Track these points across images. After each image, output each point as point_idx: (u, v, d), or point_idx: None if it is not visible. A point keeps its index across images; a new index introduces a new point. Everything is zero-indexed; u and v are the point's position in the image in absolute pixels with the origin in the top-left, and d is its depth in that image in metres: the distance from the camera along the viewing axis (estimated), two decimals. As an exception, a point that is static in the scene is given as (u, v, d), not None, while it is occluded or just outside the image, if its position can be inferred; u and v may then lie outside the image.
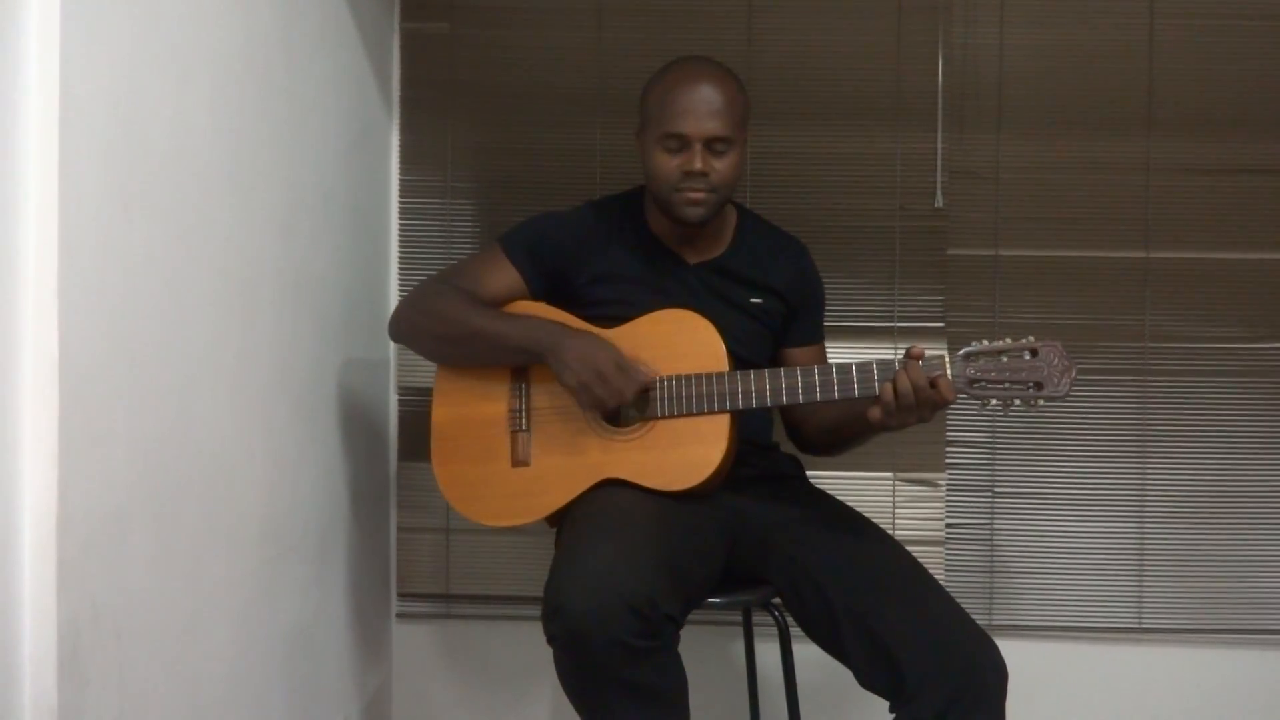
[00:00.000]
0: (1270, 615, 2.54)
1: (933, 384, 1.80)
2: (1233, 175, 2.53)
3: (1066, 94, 2.54)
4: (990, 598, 2.56)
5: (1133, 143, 2.54)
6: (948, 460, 2.55)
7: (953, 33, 2.54)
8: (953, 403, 1.82)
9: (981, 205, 2.55)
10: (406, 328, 2.09)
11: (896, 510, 2.54)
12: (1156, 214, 2.54)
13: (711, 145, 1.95)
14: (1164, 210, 2.54)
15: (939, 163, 2.54)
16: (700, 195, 1.96)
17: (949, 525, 2.56)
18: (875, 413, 1.84)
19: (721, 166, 1.97)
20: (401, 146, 2.61)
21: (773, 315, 2.11)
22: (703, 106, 1.95)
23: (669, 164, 1.97)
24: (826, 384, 1.87)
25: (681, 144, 1.96)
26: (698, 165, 1.94)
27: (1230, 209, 2.53)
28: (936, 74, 2.54)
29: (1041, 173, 2.55)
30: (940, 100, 2.54)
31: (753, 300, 2.08)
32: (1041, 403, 1.83)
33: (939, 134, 2.53)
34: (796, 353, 2.15)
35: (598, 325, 1.99)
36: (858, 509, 2.08)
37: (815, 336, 2.18)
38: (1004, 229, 2.55)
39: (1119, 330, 2.54)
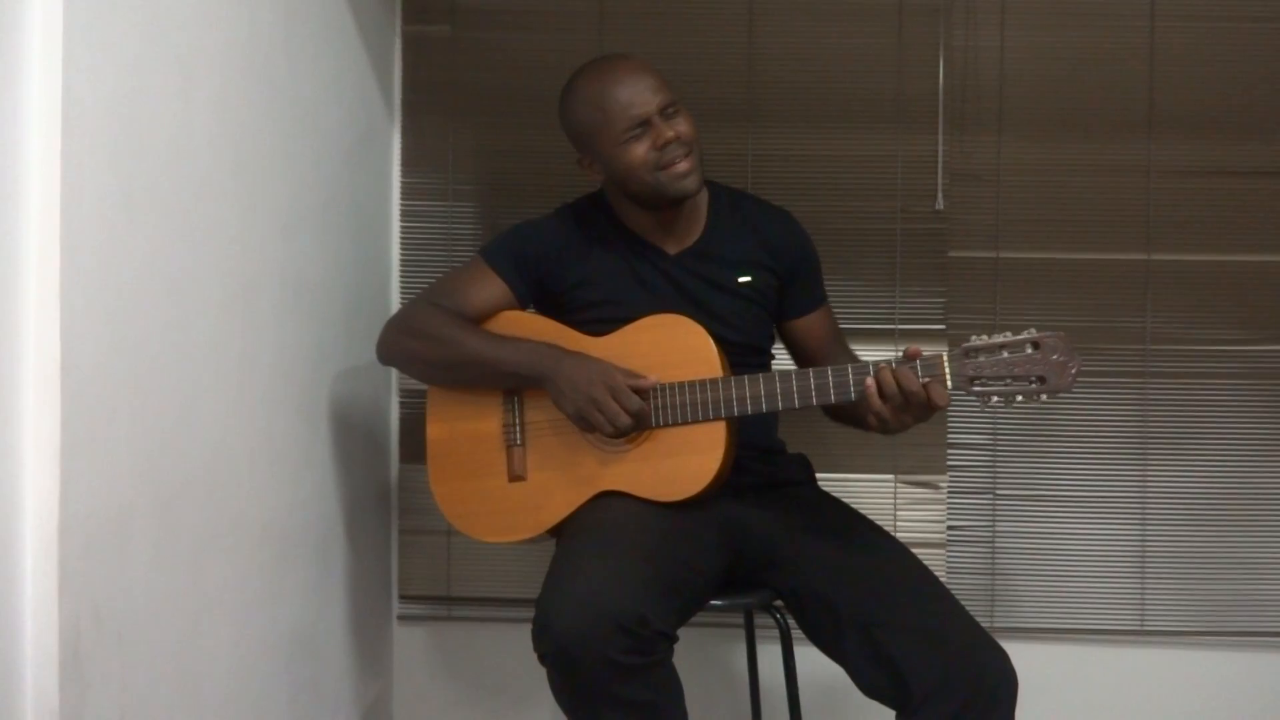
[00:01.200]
0: (1273, 617, 2.53)
1: (925, 387, 1.76)
2: (1234, 177, 2.53)
3: (1067, 96, 2.54)
4: (992, 600, 2.56)
5: (1134, 145, 2.53)
6: (949, 462, 2.55)
7: (954, 35, 2.54)
8: (945, 408, 1.78)
9: (982, 207, 2.55)
10: (396, 351, 2.07)
11: (898, 512, 2.54)
12: (1157, 216, 2.54)
13: (664, 112, 1.96)
14: (1165, 212, 2.54)
15: (940, 165, 2.53)
16: (685, 163, 1.96)
17: (950, 527, 2.56)
18: (871, 420, 1.81)
19: (684, 126, 1.97)
20: (403, 149, 2.61)
21: (764, 291, 2.08)
22: (639, 86, 1.96)
23: (641, 150, 1.95)
24: (822, 388, 1.85)
25: (644, 127, 1.95)
26: (669, 133, 1.94)
27: (1231, 211, 2.53)
28: (937, 76, 2.54)
29: (1042, 175, 2.55)
30: (941, 103, 2.53)
31: (740, 280, 2.05)
32: (1045, 397, 1.77)
33: (940, 136, 2.53)
34: (803, 322, 2.12)
35: (587, 331, 1.99)
36: (860, 511, 2.07)
37: (817, 301, 2.15)
38: (1005, 231, 2.55)
39: (1120, 332, 2.54)
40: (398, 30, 2.61)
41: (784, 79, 2.56)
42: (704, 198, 2.09)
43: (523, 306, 2.06)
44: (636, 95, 1.95)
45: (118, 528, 1.49)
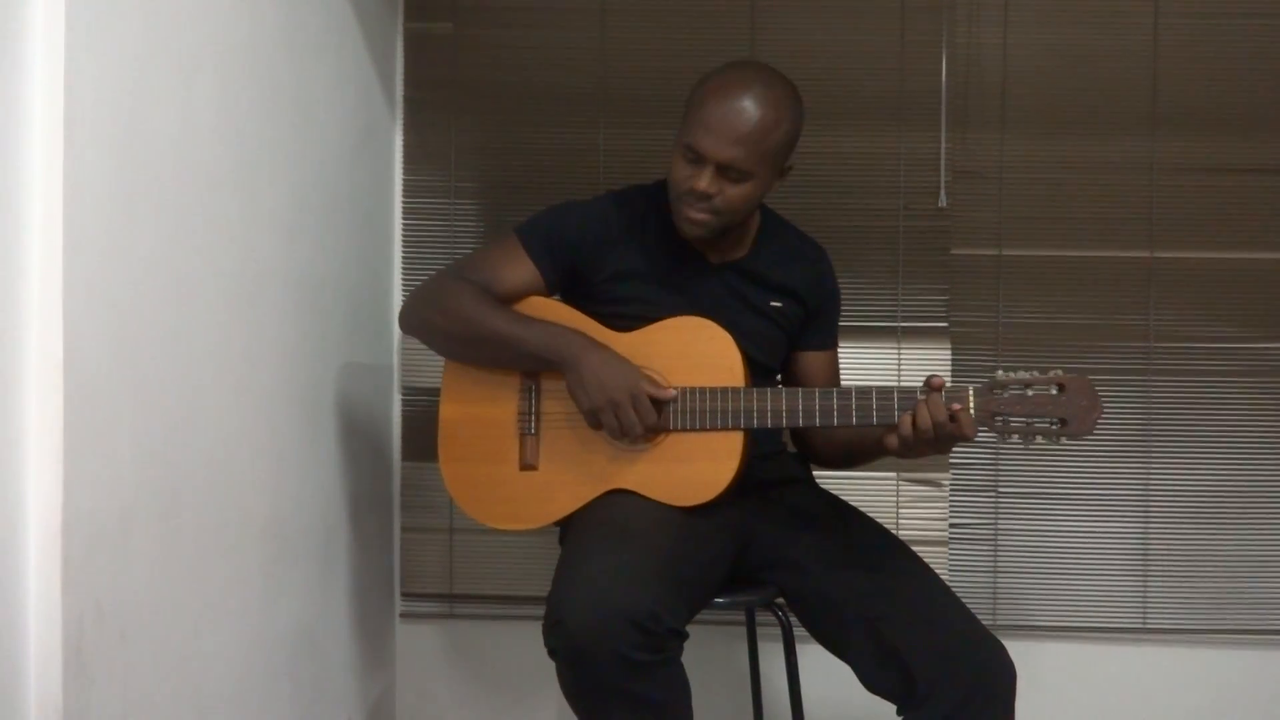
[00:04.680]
0: (1276, 615, 2.53)
1: (953, 417, 1.76)
2: (1237, 175, 2.53)
3: (1071, 93, 2.54)
4: (994, 598, 2.56)
5: (1137, 142, 2.53)
6: (951, 460, 2.55)
7: (956, 32, 2.54)
8: (973, 438, 1.77)
9: (985, 205, 2.55)
10: (418, 321, 2.03)
11: (900, 510, 2.54)
12: (1161, 214, 2.54)
13: (726, 171, 1.86)
14: (1168, 210, 2.54)
15: (943, 162, 2.53)
16: (701, 216, 1.89)
17: (953, 525, 2.56)
18: (892, 442, 1.80)
19: (732, 194, 1.87)
20: (405, 147, 2.61)
21: (791, 319, 2.06)
22: (728, 128, 1.84)
23: (682, 172, 1.89)
24: (845, 409, 1.83)
25: (698, 158, 1.86)
26: (702, 185, 1.85)
27: (1235, 208, 2.53)
28: (940, 73, 2.54)
29: (1045, 172, 2.55)
30: (944, 100, 2.53)
31: (773, 304, 2.03)
32: (1065, 440, 1.77)
33: (943, 134, 2.53)
34: (809, 357, 2.11)
35: (615, 325, 1.96)
36: (862, 509, 2.07)
37: (829, 343, 2.13)
38: (1008, 229, 2.55)
39: (1123, 330, 2.54)
40: (399, 27, 2.61)
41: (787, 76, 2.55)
42: (754, 217, 2.05)
43: (550, 292, 2.01)
44: (716, 130, 1.84)
45: (121, 525, 1.49)
